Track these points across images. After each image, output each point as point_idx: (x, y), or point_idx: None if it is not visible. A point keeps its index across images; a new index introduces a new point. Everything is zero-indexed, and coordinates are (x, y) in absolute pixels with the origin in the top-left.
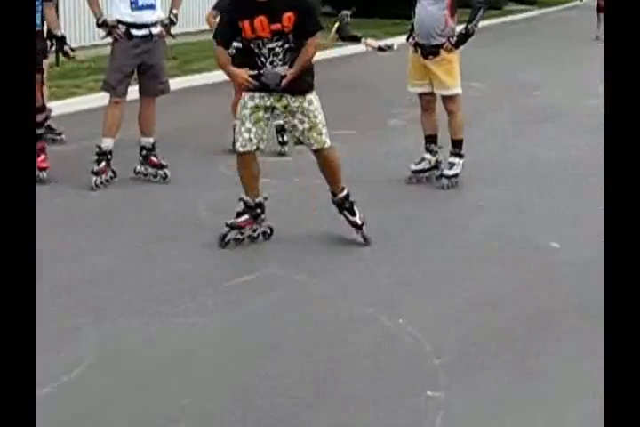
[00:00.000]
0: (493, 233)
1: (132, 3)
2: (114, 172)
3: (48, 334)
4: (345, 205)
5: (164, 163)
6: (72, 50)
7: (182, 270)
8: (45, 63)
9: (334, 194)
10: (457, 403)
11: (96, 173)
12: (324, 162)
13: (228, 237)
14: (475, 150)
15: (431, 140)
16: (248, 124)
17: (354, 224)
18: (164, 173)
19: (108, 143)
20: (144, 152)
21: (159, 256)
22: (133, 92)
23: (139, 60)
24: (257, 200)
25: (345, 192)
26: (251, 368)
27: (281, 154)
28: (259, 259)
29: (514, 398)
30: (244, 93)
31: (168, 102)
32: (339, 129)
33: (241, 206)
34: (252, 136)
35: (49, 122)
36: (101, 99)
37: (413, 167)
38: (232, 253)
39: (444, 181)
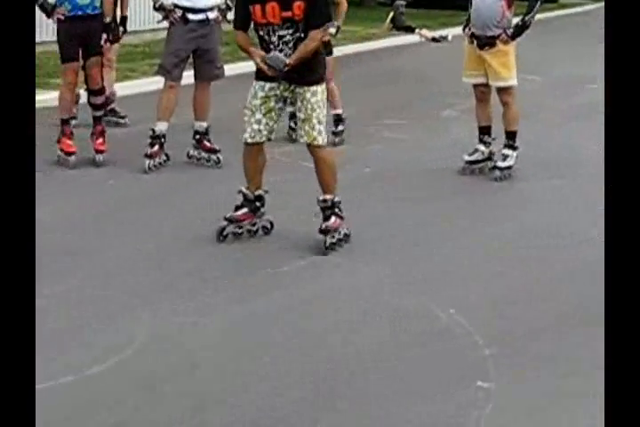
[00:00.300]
0: (543, 227)
1: None
2: (167, 155)
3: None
4: (325, 212)
5: (216, 147)
6: (110, 41)
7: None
8: (112, 47)
9: (323, 194)
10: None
11: (149, 157)
12: (316, 161)
13: (226, 231)
14: (530, 143)
15: (485, 131)
16: (258, 115)
17: (321, 229)
18: (217, 158)
19: (161, 127)
20: (197, 136)
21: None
22: (188, 76)
23: (194, 44)
24: (257, 193)
25: (331, 196)
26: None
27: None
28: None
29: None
30: (254, 82)
31: (221, 88)
32: (391, 119)
33: (240, 199)
34: (262, 127)
35: (114, 105)
36: (156, 83)
37: (467, 158)
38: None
39: (497, 172)
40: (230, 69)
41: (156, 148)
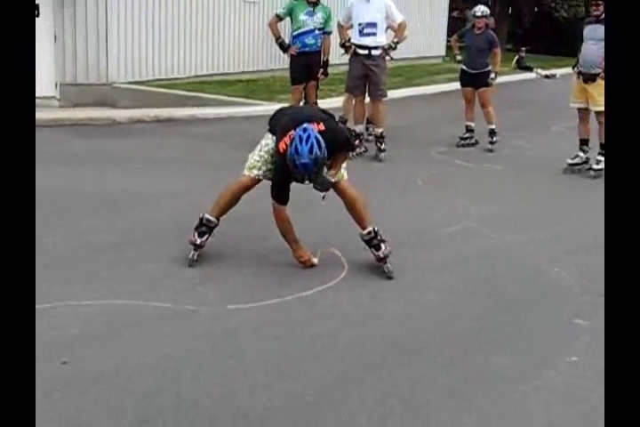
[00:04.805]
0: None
1: (359, 31)
2: (365, 147)
3: None
4: (372, 242)
5: (383, 147)
6: (326, 74)
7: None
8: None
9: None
10: None
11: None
12: (344, 198)
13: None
14: None
15: (584, 142)
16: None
17: (377, 258)
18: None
19: (358, 128)
20: (374, 138)
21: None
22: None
23: (364, 71)
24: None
25: (371, 227)
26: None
27: (379, 160)
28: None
29: None
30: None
31: (396, 106)
32: (516, 132)
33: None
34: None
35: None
36: None
37: (569, 161)
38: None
39: (592, 172)
40: (400, 92)
41: (357, 142)
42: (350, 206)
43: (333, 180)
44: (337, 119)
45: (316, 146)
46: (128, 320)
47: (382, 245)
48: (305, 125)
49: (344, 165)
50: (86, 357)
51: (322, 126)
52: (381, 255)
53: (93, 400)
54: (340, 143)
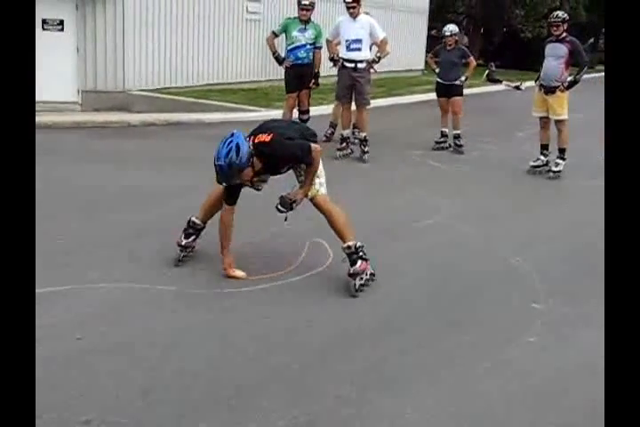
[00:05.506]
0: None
1: (346, 47)
2: (351, 149)
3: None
4: (351, 258)
5: (366, 150)
6: (317, 84)
7: None
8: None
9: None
10: None
11: (340, 150)
12: (324, 213)
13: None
14: (573, 156)
15: (544, 147)
16: None
17: (348, 273)
18: (364, 157)
19: (346, 132)
20: (358, 141)
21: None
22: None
23: (350, 81)
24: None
25: (352, 243)
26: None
27: (363, 161)
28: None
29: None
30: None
31: (379, 113)
32: (484, 137)
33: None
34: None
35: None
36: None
37: (531, 164)
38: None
39: (551, 174)
40: (384, 102)
41: (344, 144)
42: (328, 221)
43: (298, 198)
44: (329, 124)
45: (233, 152)
46: (135, 301)
47: (358, 262)
48: (235, 131)
49: (321, 180)
50: (99, 333)
51: (267, 138)
52: (351, 271)
53: (104, 372)
54: (285, 157)
